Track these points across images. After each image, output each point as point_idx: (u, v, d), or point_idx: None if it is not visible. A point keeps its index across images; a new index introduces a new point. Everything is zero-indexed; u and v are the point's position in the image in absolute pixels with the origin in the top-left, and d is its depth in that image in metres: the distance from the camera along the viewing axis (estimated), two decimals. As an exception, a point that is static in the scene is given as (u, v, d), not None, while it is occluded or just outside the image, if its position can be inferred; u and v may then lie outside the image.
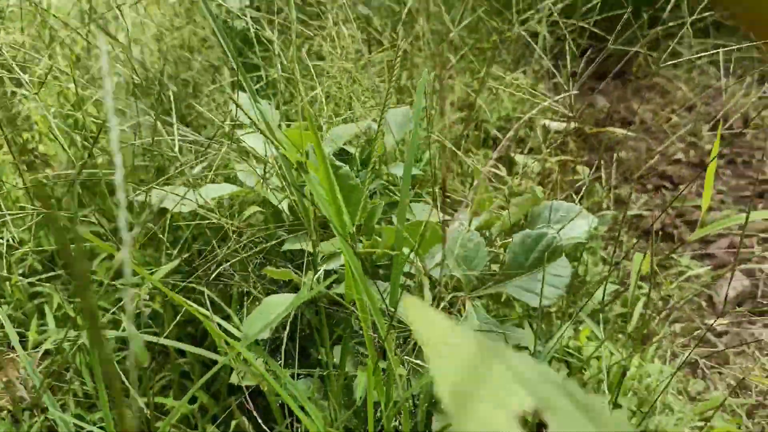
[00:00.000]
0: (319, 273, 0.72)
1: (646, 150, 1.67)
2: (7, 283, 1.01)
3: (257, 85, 1.22)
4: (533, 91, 1.22)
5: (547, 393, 0.23)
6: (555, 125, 1.20)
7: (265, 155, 0.84)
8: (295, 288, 0.81)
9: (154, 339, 0.71)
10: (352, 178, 0.73)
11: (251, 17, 1.20)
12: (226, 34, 0.74)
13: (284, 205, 0.82)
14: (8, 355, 0.93)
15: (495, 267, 0.80)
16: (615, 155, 1.46)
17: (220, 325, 0.67)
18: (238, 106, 0.70)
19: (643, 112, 1.84)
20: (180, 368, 0.91)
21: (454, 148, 0.89)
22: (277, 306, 0.69)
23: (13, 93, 1.13)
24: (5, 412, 0.95)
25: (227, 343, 0.64)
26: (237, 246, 0.75)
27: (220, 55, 1.33)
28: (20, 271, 1.05)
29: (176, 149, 0.78)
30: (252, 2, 1.46)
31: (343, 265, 0.72)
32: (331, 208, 0.64)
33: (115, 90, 1.21)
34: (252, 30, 0.93)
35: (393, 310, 0.61)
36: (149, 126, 0.93)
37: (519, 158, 1.16)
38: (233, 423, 0.79)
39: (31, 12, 1.17)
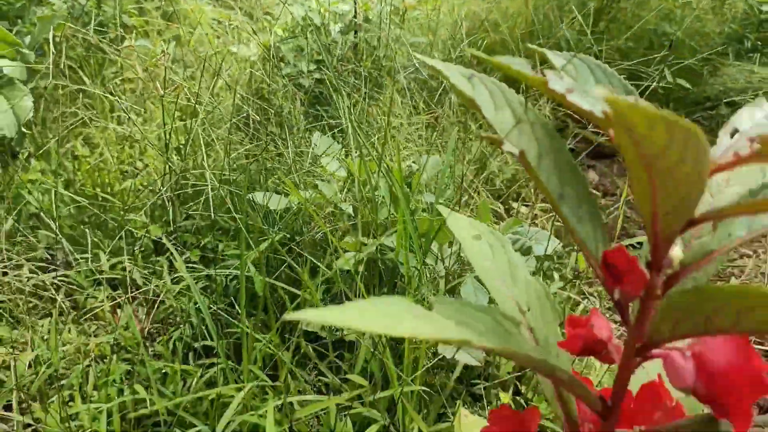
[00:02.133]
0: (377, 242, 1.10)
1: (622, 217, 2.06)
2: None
3: (330, 132, 1.63)
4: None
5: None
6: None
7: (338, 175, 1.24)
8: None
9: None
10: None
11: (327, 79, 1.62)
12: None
13: (349, 209, 1.20)
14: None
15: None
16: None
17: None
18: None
19: (625, 187, 2.24)
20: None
21: (465, 186, 1.29)
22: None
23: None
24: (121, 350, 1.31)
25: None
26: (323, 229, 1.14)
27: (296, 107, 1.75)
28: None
29: (289, 158, 1.17)
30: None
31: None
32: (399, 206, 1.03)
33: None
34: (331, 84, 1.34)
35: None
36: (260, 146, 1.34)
37: (515, 204, 1.55)
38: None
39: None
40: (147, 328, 1.28)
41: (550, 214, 1.61)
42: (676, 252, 0.39)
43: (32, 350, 1.10)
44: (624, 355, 0.40)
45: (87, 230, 1.43)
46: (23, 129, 1.22)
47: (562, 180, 0.41)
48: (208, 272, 1.11)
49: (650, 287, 0.38)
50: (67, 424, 0.98)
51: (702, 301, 0.32)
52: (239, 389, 0.86)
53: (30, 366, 1.10)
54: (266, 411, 0.82)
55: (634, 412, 0.46)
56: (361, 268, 0.96)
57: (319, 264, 0.97)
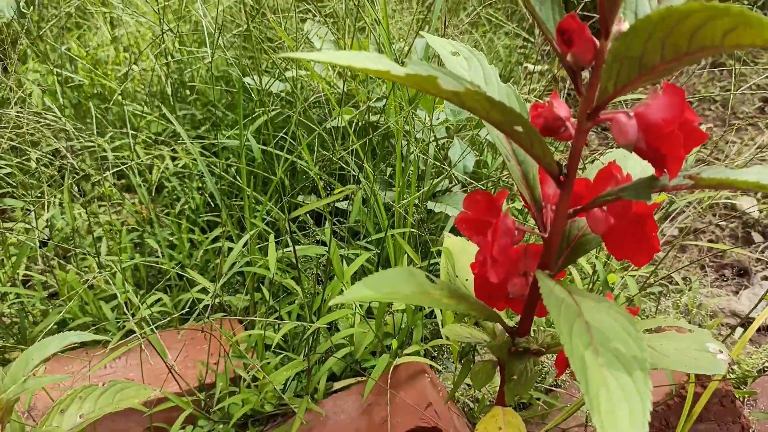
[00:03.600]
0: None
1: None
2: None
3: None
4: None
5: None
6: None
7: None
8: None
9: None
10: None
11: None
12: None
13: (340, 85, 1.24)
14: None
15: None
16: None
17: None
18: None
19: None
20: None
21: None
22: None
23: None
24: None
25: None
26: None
27: None
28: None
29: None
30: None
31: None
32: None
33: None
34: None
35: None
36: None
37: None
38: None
39: None
40: (154, 209, 1.35)
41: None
42: (624, 26, 0.44)
43: (45, 222, 1.16)
44: (578, 123, 0.46)
45: (89, 122, 1.47)
46: (22, 9, 1.24)
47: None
48: (208, 140, 1.16)
49: (599, 53, 0.43)
50: (84, 284, 1.06)
51: (645, 26, 0.36)
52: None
53: (45, 232, 1.17)
54: (267, 261, 0.89)
55: (591, 190, 0.53)
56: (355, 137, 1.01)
57: (315, 126, 1.02)
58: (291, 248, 0.84)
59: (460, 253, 0.71)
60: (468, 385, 0.92)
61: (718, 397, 0.84)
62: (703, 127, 1.96)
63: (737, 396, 0.86)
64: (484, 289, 0.58)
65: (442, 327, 0.86)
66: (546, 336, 0.60)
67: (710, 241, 1.44)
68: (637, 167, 0.60)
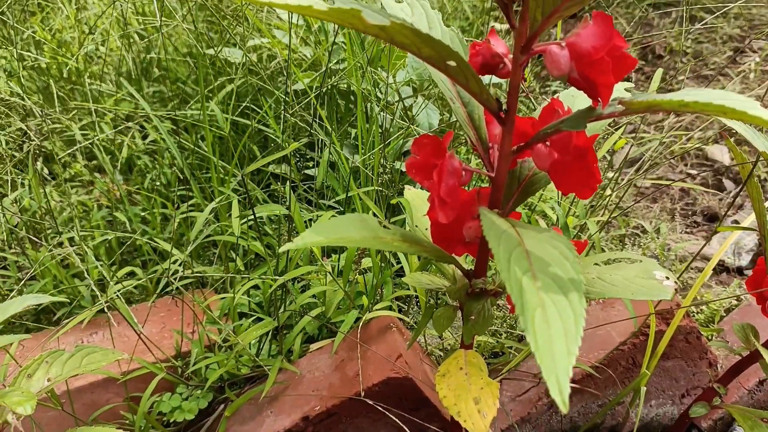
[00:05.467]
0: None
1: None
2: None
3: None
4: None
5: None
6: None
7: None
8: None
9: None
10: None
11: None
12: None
13: (308, 51, 1.24)
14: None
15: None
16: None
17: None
18: None
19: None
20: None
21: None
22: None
23: None
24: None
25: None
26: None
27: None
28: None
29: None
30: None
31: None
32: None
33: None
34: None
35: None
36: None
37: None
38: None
39: None
40: (125, 187, 1.34)
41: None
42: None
43: (15, 201, 1.16)
44: (513, 57, 0.47)
45: (57, 108, 1.46)
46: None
47: None
48: (176, 116, 1.16)
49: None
50: (55, 261, 1.06)
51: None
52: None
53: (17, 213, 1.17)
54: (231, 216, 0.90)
55: (537, 127, 0.53)
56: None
57: (274, 90, 1.02)
58: (254, 213, 0.84)
59: (419, 204, 0.71)
60: (440, 337, 0.93)
61: (683, 334, 0.86)
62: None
63: (703, 333, 0.88)
64: (440, 234, 0.59)
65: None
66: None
67: (681, 190, 1.46)
68: (585, 105, 0.61)
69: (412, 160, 0.56)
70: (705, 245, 1.09)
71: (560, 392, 0.35)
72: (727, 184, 1.51)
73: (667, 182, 1.40)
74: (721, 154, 1.59)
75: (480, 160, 0.59)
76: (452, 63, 0.43)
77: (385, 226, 0.54)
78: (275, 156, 0.75)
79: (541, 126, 0.54)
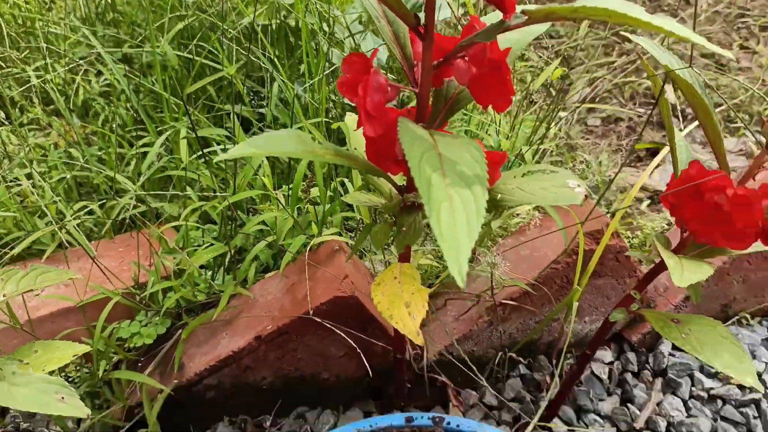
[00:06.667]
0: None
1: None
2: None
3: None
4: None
5: None
6: None
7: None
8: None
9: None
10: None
11: None
12: None
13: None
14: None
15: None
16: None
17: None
18: None
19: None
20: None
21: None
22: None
23: None
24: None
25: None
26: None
27: None
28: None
29: None
30: None
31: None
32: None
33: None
34: None
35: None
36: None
37: None
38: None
39: None
40: (81, 128, 1.35)
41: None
42: None
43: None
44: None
45: (8, 48, 1.44)
46: None
47: None
48: (131, 56, 1.16)
49: None
50: (15, 200, 1.07)
51: None
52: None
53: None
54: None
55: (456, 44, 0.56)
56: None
57: (220, 23, 1.03)
58: (196, 135, 0.86)
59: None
60: (387, 264, 0.98)
61: (613, 253, 0.92)
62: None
63: (630, 254, 0.94)
64: (374, 151, 0.62)
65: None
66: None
67: (629, 128, 1.51)
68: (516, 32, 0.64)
69: (343, 78, 0.59)
70: (645, 176, 1.15)
71: (459, 272, 0.39)
72: (674, 121, 1.57)
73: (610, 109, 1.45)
74: (669, 93, 1.65)
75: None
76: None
77: (319, 143, 0.57)
78: (215, 76, 0.77)
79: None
